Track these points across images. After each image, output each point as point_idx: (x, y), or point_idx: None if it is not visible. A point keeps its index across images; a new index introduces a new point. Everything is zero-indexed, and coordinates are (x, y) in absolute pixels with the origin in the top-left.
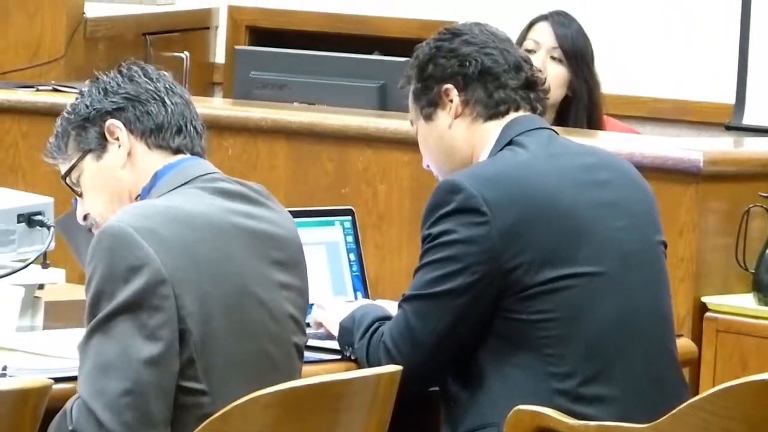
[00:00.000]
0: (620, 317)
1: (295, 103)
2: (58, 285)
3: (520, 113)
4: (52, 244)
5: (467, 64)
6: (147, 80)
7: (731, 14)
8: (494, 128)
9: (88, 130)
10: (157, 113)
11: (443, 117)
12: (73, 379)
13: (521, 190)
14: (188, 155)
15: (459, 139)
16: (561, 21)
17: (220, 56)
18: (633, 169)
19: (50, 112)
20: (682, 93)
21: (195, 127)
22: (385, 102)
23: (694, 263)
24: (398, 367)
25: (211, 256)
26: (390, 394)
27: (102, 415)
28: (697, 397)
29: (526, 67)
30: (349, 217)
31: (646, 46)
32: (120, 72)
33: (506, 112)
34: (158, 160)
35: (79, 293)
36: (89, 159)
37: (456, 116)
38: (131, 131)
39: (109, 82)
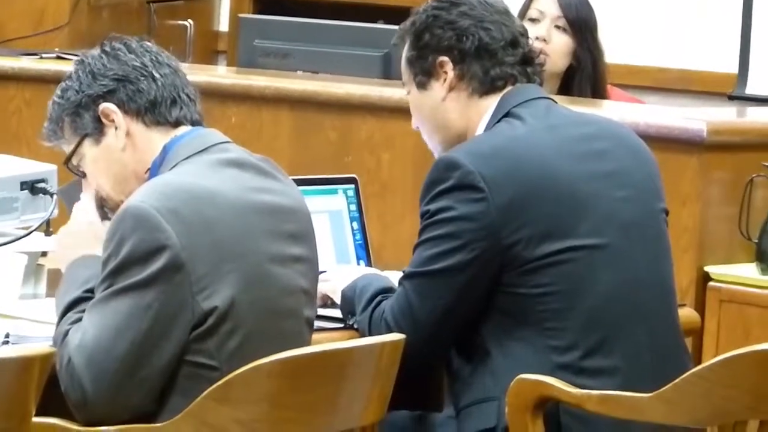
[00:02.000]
0: (621, 289)
1: (298, 72)
2: None
3: (517, 85)
4: (56, 212)
5: (464, 38)
6: (132, 56)
7: None
8: (490, 102)
9: (82, 116)
10: (149, 89)
11: (437, 88)
12: None
13: (519, 165)
14: (189, 126)
15: (453, 112)
16: None
17: (224, 24)
18: (633, 136)
19: (54, 80)
20: (685, 63)
21: (188, 95)
22: (389, 71)
23: (697, 233)
24: (401, 336)
25: (231, 235)
26: (393, 362)
27: (84, 377)
28: (700, 367)
29: (522, 41)
30: (353, 186)
31: (650, 15)
32: (104, 51)
33: (503, 87)
34: (159, 136)
35: None
36: (88, 143)
37: (450, 89)
38: (126, 112)
39: (95, 64)
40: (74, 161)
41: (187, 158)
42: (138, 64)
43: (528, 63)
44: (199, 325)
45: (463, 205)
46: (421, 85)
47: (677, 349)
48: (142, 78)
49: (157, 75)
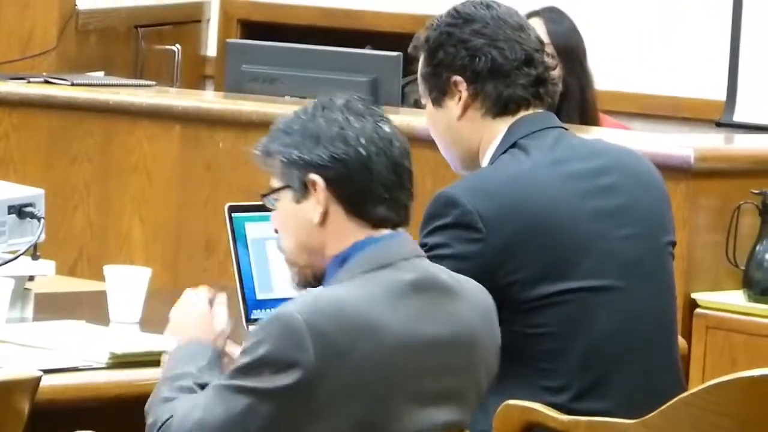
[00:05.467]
0: (618, 331)
1: (286, 97)
2: (48, 277)
3: (530, 111)
4: (43, 236)
5: (477, 59)
6: (358, 137)
7: (723, 11)
8: (502, 125)
9: (292, 171)
10: (360, 181)
11: (452, 106)
12: (62, 370)
13: (520, 205)
14: (389, 230)
15: (467, 130)
16: (553, 18)
17: (211, 49)
18: (644, 163)
19: (41, 104)
20: (673, 89)
21: (400, 193)
22: (376, 96)
23: (684, 260)
24: None
25: (376, 373)
26: None
27: None
28: (686, 393)
29: (537, 58)
30: None
31: (638, 42)
32: (334, 119)
33: (516, 111)
34: (355, 229)
35: (69, 285)
36: (288, 195)
37: (465, 108)
38: (331, 192)
39: (324, 129)
40: (272, 197)
41: (366, 272)
42: (362, 151)
43: (542, 84)
44: None
45: (459, 244)
46: (437, 102)
47: (674, 389)
48: (360, 168)
49: (374, 168)
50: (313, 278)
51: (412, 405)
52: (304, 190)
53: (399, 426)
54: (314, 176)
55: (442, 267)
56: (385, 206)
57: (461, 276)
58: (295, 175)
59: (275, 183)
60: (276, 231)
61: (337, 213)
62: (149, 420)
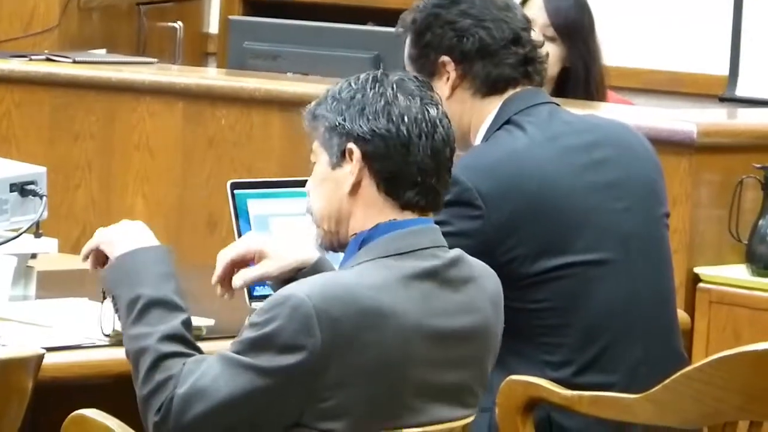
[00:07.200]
0: (618, 304)
1: (288, 74)
2: (50, 254)
3: (519, 89)
4: (45, 214)
5: (465, 39)
6: (402, 116)
7: None
8: (492, 104)
9: (332, 137)
10: (397, 160)
11: (440, 86)
12: (65, 348)
13: (517, 182)
14: (416, 215)
15: (456, 110)
16: None
17: (213, 26)
18: (637, 138)
19: (44, 82)
20: (676, 65)
21: (434, 180)
22: None
23: (687, 234)
24: None
25: (384, 361)
26: None
27: (178, 418)
28: (690, 368)
29: (524, 37)
30: None
31: (641, 17)
32: (382, 93)
33: (504, 89)
34: (383, 207)
35: (72, 263)
36: (325, 159)
37: (454, 88)
38: (366, 167)
39: (372, 103)
40: (312, 156)
41: (385, 257)
42: (403, 132)
43: (530, 62)
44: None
45: (459, 221)
46: None
47: (676, 361)
48: (399, 148)
49: (413, 150)
50: (336, 244)
51: (421, 397)
52: (341, 158)
53: (408, 417)
54: (352, 146)
55: (460, 252)
56: (417, 190)
57: (476, 260)
58: (334, 142)
59: (316, 146)
60: (308, 193)
61: (369, 187)
62: (156, 379)
